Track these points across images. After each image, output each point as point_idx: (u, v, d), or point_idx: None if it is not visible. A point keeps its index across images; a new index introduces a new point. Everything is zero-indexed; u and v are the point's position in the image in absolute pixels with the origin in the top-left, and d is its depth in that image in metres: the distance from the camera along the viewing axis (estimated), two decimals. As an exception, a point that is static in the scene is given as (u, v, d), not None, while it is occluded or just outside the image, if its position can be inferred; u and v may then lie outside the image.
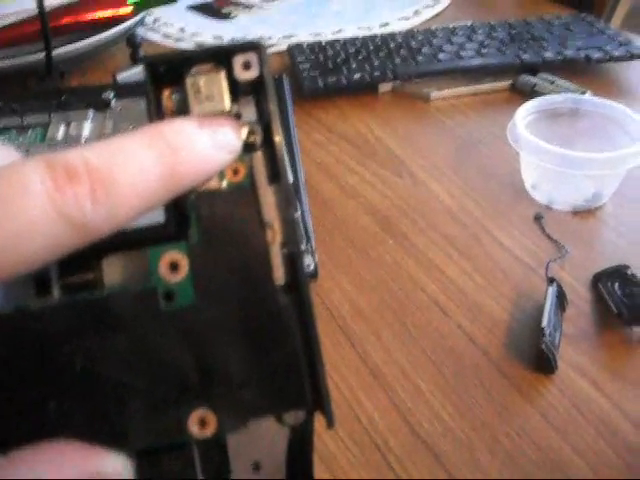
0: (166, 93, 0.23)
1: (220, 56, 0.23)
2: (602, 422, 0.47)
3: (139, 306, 0.22)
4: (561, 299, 0.55)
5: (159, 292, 0.22)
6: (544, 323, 0.50)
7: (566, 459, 0.45)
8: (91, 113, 0.74)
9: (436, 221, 0.66)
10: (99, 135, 0.70)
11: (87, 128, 0.71)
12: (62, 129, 0.71)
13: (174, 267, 0.22)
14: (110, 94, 0.75)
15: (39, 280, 0.23)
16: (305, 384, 0.23)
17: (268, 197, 0.23)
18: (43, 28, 0.80)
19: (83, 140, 0.69)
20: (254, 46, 0.23)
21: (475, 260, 0.61)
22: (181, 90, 0.23)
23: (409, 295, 0.57)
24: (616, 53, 0.90)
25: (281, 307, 0.23)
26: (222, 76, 0.23)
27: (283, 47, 0.98)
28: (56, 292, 0.22)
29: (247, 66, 0.23)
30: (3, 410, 0.21)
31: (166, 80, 0.23)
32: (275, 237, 0.23)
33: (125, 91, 0.77)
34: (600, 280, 0.57)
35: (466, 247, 0.62)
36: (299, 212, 0.57)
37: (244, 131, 0.23)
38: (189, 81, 0.23)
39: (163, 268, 0.22)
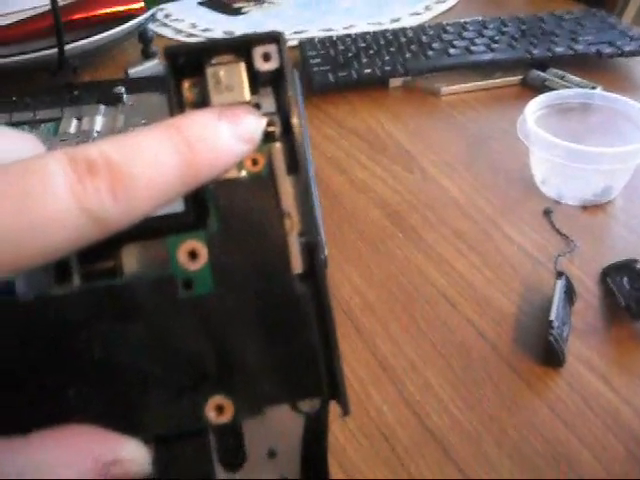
0: (186, 85, 0.23)
1: (240, 47, 0.23)
2: (610, 416, 0.47)
3: (158, 294, 0.22)
4: (570, 293, 0.55)
5: (178, 280, 0.22)
6: (552, 316, 0.51)
7: (574, 452, 0.45)
8: (103, 108, 0.74)
9: (446, 216, 0.66)
10: (111, 130, 0.71)
11: (99, 123, 0.72)
12: (74, 124, 0.72)
13: (193, 255, 0.22)
14: (122, 89, 0.76)
15: (59, 268, 0.23)
16: (321, 373, 0.23)
17: (287, 187, 0.23)
18: (56, 23, 0.80)
19: (95, 134, 0.70)
20: (274, 37, 0.23)
21: (484, 255, 0.61)
22: (201, 81, 0.23)
23: (418, 289, 0.58)
24: (627, 48, 0.90)
25: (298, 296, 0.23)
26: (242, 67, 0.23)
27: (294, 42, 0.98)
28: (76, 280, 0.23)
29: (267, 57, 0.23)
30: (24, 395, 0.21)
31: (186, 71, 0.23)
32: (293, 226, 0.23)
33: (136, 86, 0.78)
34: (609, 274, 0.57)
35: (476, 242, 0.63)
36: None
37: (264, 122, 0.23)
38: (209, 71, 0.23)
39: (182, 256, 0.22)
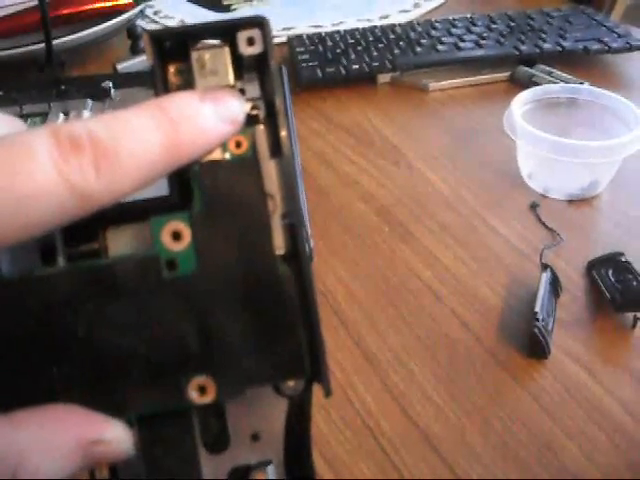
0: (171, 69, 0.23)
1: (225, 32, 0.23)
2: (594, 407, 0.47)
3: (141, 273, 0.22)
4: (555, 285, 0.55)
5: (161, 260, 0.22)
6: (537, 308, 0.51)
7: (558, 443, 0.45)
8: (90, 103, 0.74)
9: (432, 209, 0.66)
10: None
11: (86, 117, 0.71)
12: (61, 118, 0.71)
13: (176, 236, 0.23)
14: (109, 84, 0.75)
15: (45, 249, 0.23)
16: (303, 353, 0.23)
17: (270, 169, 0.23)
18: (43, 18, 0.80)
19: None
20: (258, 22, 0.23)
21: (470, 248, 0.61)
22: (186, 65, 0.23)
23: (404, 281, 0.58)
24: (615, 45, 0.90)
25: (280, 276, 0.23)
26: (227, 51, 0.23)
27: (283, 39, 0.98)
28: (61, 261, 0.23)
29: (251, 42, 0.23)
30: (7, 373, 0.22)
31: (171, 56, 0.23)
32: (276, 208, 0.23)
33: (124, 81, 0.77)
34: (594, 267, 0.57)
35: (461, 235, 0.63)
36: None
37: (247, 105, 0.23)
38: (194, 55, 0.23)
39: (166, 237, 0.23)
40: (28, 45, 0.86)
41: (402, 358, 0.51)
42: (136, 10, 0.96)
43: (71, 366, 0.22)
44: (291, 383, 0.24)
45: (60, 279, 0.22)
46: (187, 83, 0.23)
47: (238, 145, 0.23)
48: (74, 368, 0.22)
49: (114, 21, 0.93)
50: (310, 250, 0.55)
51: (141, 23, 1.02)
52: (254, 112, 0.24)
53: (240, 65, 0.24)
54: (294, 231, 0.23)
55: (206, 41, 0.23)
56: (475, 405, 0.48)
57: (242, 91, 0.24)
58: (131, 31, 0.95)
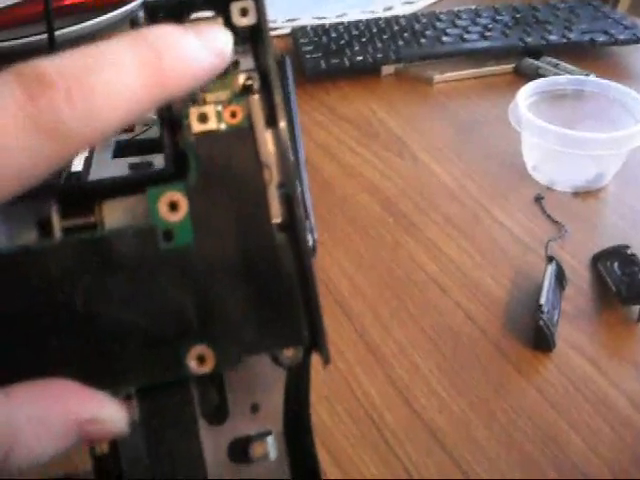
0: None
1: (218, 2, 0.23)
2: (599, 399, 0.47)
3: (138, 245, 0.22)
4: (560, 278, 0.54)
5: (158, 231, 0.22)
6: (542, 300, 0.50)
7: (563, 436, 0.45)
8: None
9: (437, 201, 0.66)
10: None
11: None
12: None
13: (173, 207, 0.22)
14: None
15: (41, 223, 0.23)
16: (301, 321, 0.23)
17: (265, 139, 0.23)
18: (46, 9, 0.79)
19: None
20: None
21: (475, 240, 0.61)
22: None
23: (408, 273, 0.57)
24: (621, 37, 0.89)
25: (277, 244, 0.23)
26: (220, 22, 0.23)
27: (287, 30, 0.98)
28: (57, 234, 0.23)
29: (244, 12, 0.23)
30: (5, 346, 0.21)
31: None
32: (272, 177, 0.23)
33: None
34: (600, 260, 0.56)
35: (466, 227, 0.62)
36: (299, 188, 0.57)
37: (241, 76, 0.23)
38: (188, 26, 0.22)
39: (162, 208, 0.22)
40: (30, 36, 0.85)
41: (406, 350, 0.51)
42: (139, 1, 0.95)
43: (69, 340, 0.22)
44: (289, 353, 0.24)
45: (57, 252, 0.22)
46: None
47: (233, 115, 0.23)
48: (72, 342, 0.22)
49: (117, 12, 0.92)
50: (314, 242, 0.55)
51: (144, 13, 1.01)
52: (249, 82, 0.24)
53: (234, 36, 0.23)
54: (290, 200, 0.23)
55: (200, 12, 0.23)
56: (480, 398, 0.47)
57: (236, 63, 0.24)
58: (134, 22, 0.94)
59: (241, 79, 0.24)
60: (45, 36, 0.83)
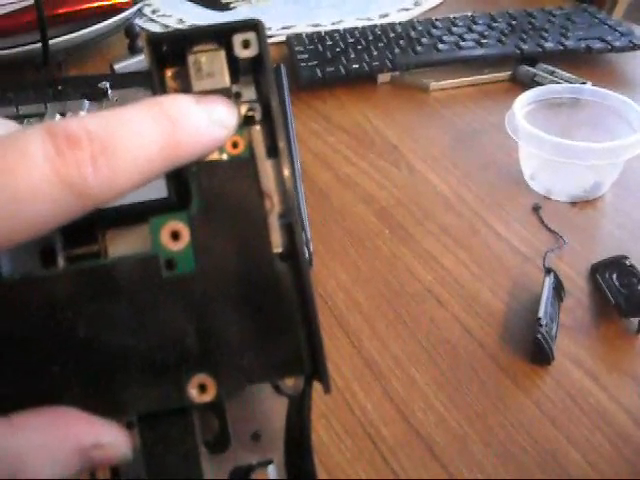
0: (169, 73, 0.24)
1: (220, 35, 0.24)
2: (598, 414, 0.47)
3: (141, 273, 0.23)
4: (558, 290, 0.54)
5: (160, 260, 0.23)
6: (540, 313, 0.50)
7: (562, 451, 0.44)
8: (87, 103, 0.73)
9: (433, 212, 0.65)
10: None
11: (83, 115, 0.70)
12: (57, 119, 0.71)
13: (175, 236, 0.23)
14: (106, 84, 0.75)
15: (45, 252, 0.24)
16: (302, 350, 0.24)
17: (267, 169, 0.24)
18: (39, 17, 0.79)
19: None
20: (253, 25, 0.24)
21: (472, 251, 0.60)
22: (183, 69, 0.24)
23: (405, 285, 0.57)
24: (617, 44, 0.89)
25: (278, 273, 0.23)
26: (223, 54, 0.24)
27: (282, 38, 0.98)
28: (61, 263, 0.23)
29: (246, 44, 0.24)
30: (7, 373, 0.22)
31: (168, 60, 0.24)
32: (273, 207, 0.24)
33: (121, 81, 0.77)
34: (598, 271, 0.56)
35: (463, 237, 0.62)
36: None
37: (243, 107, 0.24)
38: (191, 59, 0.24)
39: (164, 237, 0.23)
40: (25, 45, 0.85)
41: (403, 364, 0.50)
42: (134, 9, 0.95)
43: (71, 367, 0.22)
44: (290, 382, 0.24)
45: (60, 280, 0.22)
46: (184, 87, 0.24)
47: (235, 145, 0.24)
48: (74, 369, 0.22)
49: (112, 20, 0.92)
50: (310, 254, 0.54)
51: (139, 22, 1.01)
52: (250, 113, 0.24)
53: (236, 68, 0.24)
54: (291, 230, 0.24)
55: (202, 44, 0.24)
56: (477, 412, 0.47)
57: (238, 94, 0.24)
58: (129, 30, 0.94)
59: (243, 110, 0.24)
60: (40, 45, 0.83)
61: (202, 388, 0.23)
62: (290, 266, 0.24)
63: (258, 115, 0.24)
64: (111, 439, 0.22)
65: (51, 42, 0.83)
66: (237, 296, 0.23)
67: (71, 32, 0.88)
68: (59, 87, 0.76)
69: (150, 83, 0.24)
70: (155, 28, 1.06)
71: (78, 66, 0.93)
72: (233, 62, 0.24)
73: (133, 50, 0.93)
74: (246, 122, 0.24)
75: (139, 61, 0.88)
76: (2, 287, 0.22)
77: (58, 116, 0.71)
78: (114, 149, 0.20)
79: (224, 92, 0.24)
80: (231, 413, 0.25)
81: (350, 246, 0.61)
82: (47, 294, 0.22)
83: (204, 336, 0.23)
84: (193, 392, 0.23)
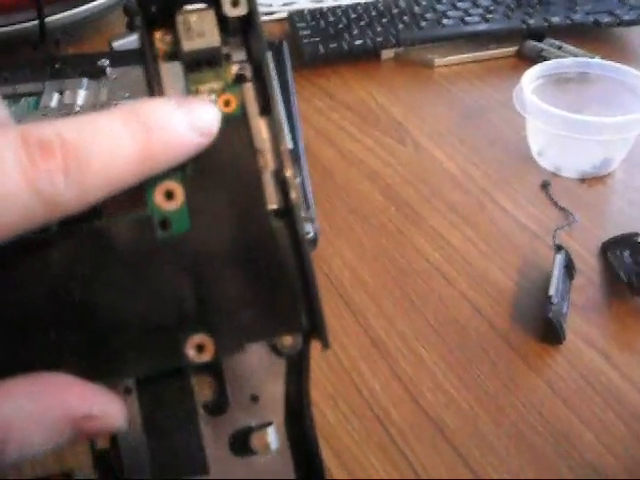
0: (158, 35, 0.24)
1: None
2: (610, 393, 0.46)
3: (135, 234, 0.23)
4: (569, 268, 0.53)
5: (155, 220, 0.23)
6: (551, 291, 0.49)
7: (574, 431, 0.44)
8: (85, 81, 0.72)
9: (440, 189, 0.64)
10: (93, 103, 0.69)
11: (81, 96, 0.69)
12: (56, 97, 0.69)
13: (169, 195, 0.23)
14: (105, 62, 0.73)
15: None
16: (299, 306, 0.23)
17: (260, 126, 0.24)
18: (36, -6, 0.78)
19: (77, 108, 0.67)
20: None
21: (480, 228, 0.59)
22: (172, 30, 0.23)
23: (412, 263, 0.56)
24: (626, 17, 0.87)
25: (274, 230, 0.23)
26: (212, 13, 0.23)
27: (284, 14, 0.96)
28: (54, 226, 0.23)
29: (235, 3, 0.23)
30: (3, 338, 0.22)
31: (158, 23, 0.24)
32: (267, 163, 0.23)
33: (120, 59, 0.75)
34: (609, 248, 0.55)
35: (470, 215, 0.61)
36: (299, 177, 0.56)
37: (234, 67, 0.24)
38: (180, 19, 0.23)
39: (158, 197, 0.23)
40: (21, 22, 0.83)
41: (411, 343, 0.49)
42: (132, -14, 0.93)
43: (66, 331, 0.22)
44: (288, 341, 0.24)
45: (54, 243, 0.22)
46: (174, 49, 0.24)
47: (227, 104, 0.24)
48: (70, 333, 0.22)
49: (108, -2, 0.90)
50: (315, 233, 0.53)
51: (138, -1, 0.99)
52: (241, 72, 0.24)
53: (226, 28, 0.24)
54: (285, 186, 0.23)
55: (191, 4, 0.23)
56: (488, 393, 0.46)
57: (228, 56, 0.24)
58: (128, 7, 0.92)
59: (234, 69, 0.24)
60: (36, 22, 0.81)
61: (200, 348, 0.23)
62: (285, 222, 0.23)
63: (249, 74, 0.24)
64: (104, 410, 0.22)
65: (48, 20, 0.82)
66: (233, 254, 0.23)
67: (68, 9, 0.86)
68: (57, 65, 0.75)
69: (139, 46, 0.24)
70: (154, 6, 1.05)
71: (76, 45, 0.92)
72: (223, 23, 0.24)
73: (132, 27, 0.92)
74: (237, 80, 0.24)
75: (138, 37, 0.87)
76: None
77: (56, 95, 0.69)
78: (87, 160, 0.20)
79: (214, 51, 0.24)
80: (229, 375, 0.24)
81: (355, 224, 0.60)
82: (41, 257, 0.22)
83: (201, 296, 0.23)
84: (191, 352, 0.22)
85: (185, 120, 0.22)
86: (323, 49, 0.84)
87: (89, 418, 0.21)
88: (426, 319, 0.51)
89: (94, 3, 0.88)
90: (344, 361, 0.48)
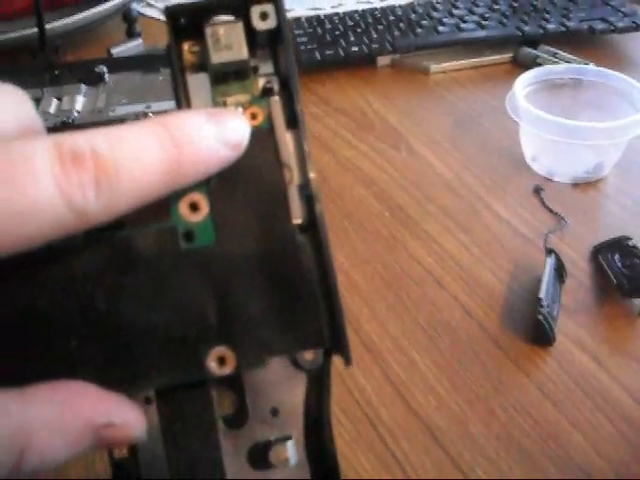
0: (186, 46, 0.24)
1: (238, 6, 0.23)
2: (600, 395, 0.46)
3: (160, 245, 0.23)
4: (560, 271, 0.53)
5: (179, 231, 0.23)
6: (542, 294, 0.49)
7: (563, 433, 0.44)
8: (84, 87, 0.73)
9: (434, 194, 0.64)
10: (91, 110, 0.69)
11: (79, 102, 0.70)
12: (54, 103, 0.70)
13: (194, 207, 0.23)
14: (103, 68, 0.74)
15: None
16: (322, 322, 0.23)
17: (286, 140, 0.24)
18: (35, 1, 0.78)
19: (75, 114, 0.68)
20: None
21: (473, 232, 0.60)
22: (200, 42, 0.24)
23: (404, 268, 0.56)
24: (620, 24, 0.88)
25: (298, 245, 0.23)
26: (241, 26, 0.23)
27: (281, 22, 0.97)
28: (80, 236, 0.23)
29: (265, 16, 0.23)
30: (27, 346, 0.22)
31: (186, 33, 0.24)
32: (293, 177, 0.23)
33: (118, 65, 0.76)
34: (600, 252, 0.55)
35: (464, 219, 0.61)
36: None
37: (261, 80, 0.24)
38: (208, 31, 0.23)
39: (183, 208, 0.23)
40: (21, 30, 0.84)
41: (403, 346, 0.50)
42: (131, -7, 0.94)
43: (89, 340, 0.22)
44: (310, 356, 0.24)
45: (79, 251, 0.22)
46: (202, 60, 0.24)
47: (254, 117, 0.24)
48: (92, 341, 0.22)
49: (109, 4, 0.91)
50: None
51: (136, 6, 1.00)
52: (269, 85, 0.24)
53: (254, 41, 0.24)
54: (311, 201, 0.23)
55: (220, 16, 0.24)
56: (478, 394, 0.46)
57: (255, 68, 0.24)
58: (126, 14, 0.93)
59: (261, 82, 0.24)
60: (36, 29, 0.82)
61: (221, 361, 0.23)
62: (310, 237, 0.23)
63: (276, 87, 0.24)
64: (124, 419, 0.22)
65: (47, 27, 0.82)
66: (257, 268, 0.23)
67: (68, 17, 0.87)
68: (56, 72, 0.76)
69: (168, 57, 0.24)
70: (153, 13, 1.06)
71: (75, 51, 0.92)
72: (251, 35, 0.24)
73: (130, 34, 0.93)
74: (265, 93, 0.24)
75: (137, 45, 0.88)
76: (20, 259, 0.21)
77: (55, 101, 0.70)
78: (117, 172, 0.20)
79: (242, 64, 0.24)
80: (249, 388, 0.25)
81: (349, 228, 0.61)
82: (66, 266, 0.22)
83: (223, 308, 0.23)
84: (212, 365, 0.23)
85: (215, 133, 0.22)
86: (320, 56, 0.85)
87: (109, 427, 0.21)
88: (418, 322, 0.51)
89: (93, 10, 0.89)
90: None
